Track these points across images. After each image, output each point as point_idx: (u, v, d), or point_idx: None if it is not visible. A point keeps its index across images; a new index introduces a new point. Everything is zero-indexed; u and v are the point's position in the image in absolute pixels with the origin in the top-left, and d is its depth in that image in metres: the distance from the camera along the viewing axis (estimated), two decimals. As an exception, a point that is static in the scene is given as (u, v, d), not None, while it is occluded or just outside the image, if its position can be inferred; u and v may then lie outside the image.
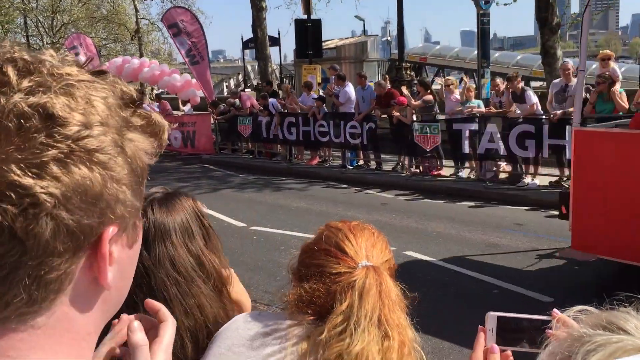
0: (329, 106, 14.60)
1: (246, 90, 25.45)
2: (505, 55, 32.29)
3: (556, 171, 10.81)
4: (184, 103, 20.00)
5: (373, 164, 13.94)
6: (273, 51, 25.19)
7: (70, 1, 38.15)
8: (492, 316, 1.23)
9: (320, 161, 14.98)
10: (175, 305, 1.39)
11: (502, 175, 11.61)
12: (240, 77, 37.33)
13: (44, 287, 0.60)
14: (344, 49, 27.02)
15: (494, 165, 11.60)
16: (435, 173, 12.43)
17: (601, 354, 0.69)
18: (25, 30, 37.85)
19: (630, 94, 10.02)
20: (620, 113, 9.64)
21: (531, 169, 11.10)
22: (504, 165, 11.63)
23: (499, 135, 11.01)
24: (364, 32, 39.08)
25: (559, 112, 10.27)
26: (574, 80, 10.53)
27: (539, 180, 10.97)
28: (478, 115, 11.60)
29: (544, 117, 10.73)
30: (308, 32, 18.22)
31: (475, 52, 17.46)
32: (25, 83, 0.58)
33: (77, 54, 22.62)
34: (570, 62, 11.28)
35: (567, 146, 10.20)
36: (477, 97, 12.70)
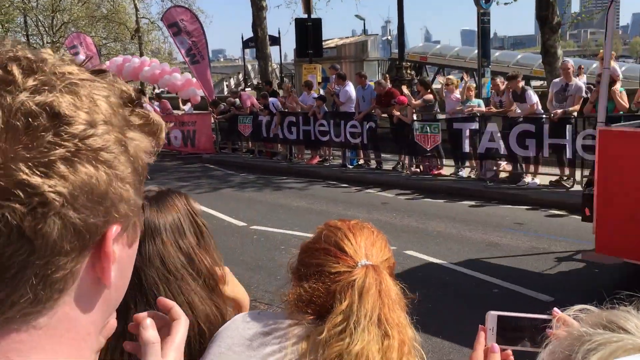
0: (330, 105, 14.60)
1: (246, 89, 25.46)
2: (506, 54, 32.30)
3: (556, 170, 10.81)
4: (184, 102, 20.00)
5: (373, 164, 13.94)
6: (273, 50, 25.22)
7: (70, 0, 38.15)
8: (492, 315, 1.23)
9: (321, 160, 14.98)
10: None
11: (503, 175, 11.61)
12: (241, 76, 37.35)
13: (49, 287, 0.61)
14: (344, 48, 27.04)
15: (494, 165, 11.60)
16: (436, 172, 12.43)
17: (601, 353, 0.69)
18: (25, 29, 37.89)
19: (630, 93, 10.03)
20: (621, 112, 9.64)
21: (531, 168, 11.10)
22: (504, 165, 11.63)
23: (499, 134, 11.01)
24: (364, 31, 39.04)
25: (559, 111, 10.27)
26: (574, 80, 10.54)
27: (540, 180, 10.97)
28: (478, 114, 11.60)
29: (544, 116, 10.73)
30: (308, 31, 18.23)
31: (476, 51, 17.46)
32: (31, 82, 0.58)
33: (77, 53, 22.66)
34: (571, 61, 11.27)
35: (567, 145, 10.21)
36: (478, 96, 12.70)
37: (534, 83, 24.02)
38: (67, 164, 0.57)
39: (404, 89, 13.53)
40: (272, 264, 7.01)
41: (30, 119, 0.56)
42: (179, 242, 1.49)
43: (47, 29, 39.08)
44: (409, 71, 19.88)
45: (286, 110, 15.31)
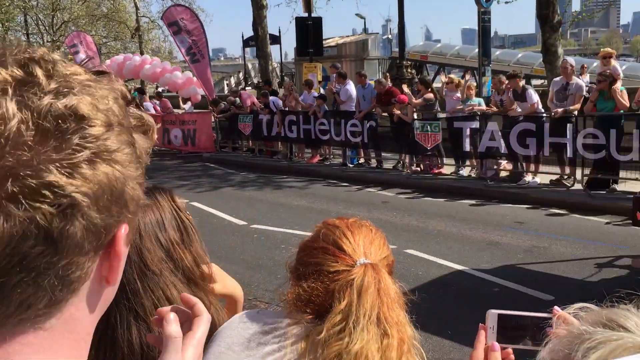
0: (330, 104, 14.60)
1: (247, 88, 25.45)
2: (506, 53, 32.26)
3: (557, 169, 10.81)
4: (185, 101, 20.01)
5: (374, 162, 13.94)
6: (274, 49, 25.20)
7: (71, -1, 38.17)
8: (492, 314, 1.23)
9: (321, 159, 14.98)
10: (144, 299, 1.38)
11: (503, 174, 11.61)
12: (241, 75, 37.33)
13: (66, 288, 0.61)
14: (344, 47, 27.01)
15: (494, 164, 11.59)
16: (436, 171, 12.43)
17: (601, 352, 0.69)
18: (25, 28, 37.88)
19: (631, 92, 10.01)
20: (622, 111, 9.64)
21: (532, 167, 11.10)
22: (504, 164, 11.62)
23: (499, 133, 11.01)
24: (365, 30, 39.03)
25: (560, 110, 10.26)
26: (574, 79, 10.53)
27: (540, 179, 10.97)
28: (479, 113, 11.59)
29: (544, 115, 10.73)
30: (309, 30, 18.23)
31: (476, 50, 17.45)
32: (53, 85, 0.59)
33: (77, 52, 22.68)
34: (570, 60, 11.26)
35: (567, 144, 10.20)
36: (478, 95, 12.69)
37: (534, 82, 23.97)
38: (90, 166, 0.58)
39: (405, 87, 13.51)
40: (273, 263, 7.01)
41: (59, 122, 0.57)
42: (158, 236, 1.48)
43: (47, 27, 39.09)
44: (409, 70, 19.88)
45: (287, 109, 15.31)
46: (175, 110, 19.49)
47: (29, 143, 0.55)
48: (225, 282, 1.72)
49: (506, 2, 19.74)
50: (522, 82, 11.22)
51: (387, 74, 18.55)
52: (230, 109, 17.12)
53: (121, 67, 20.50)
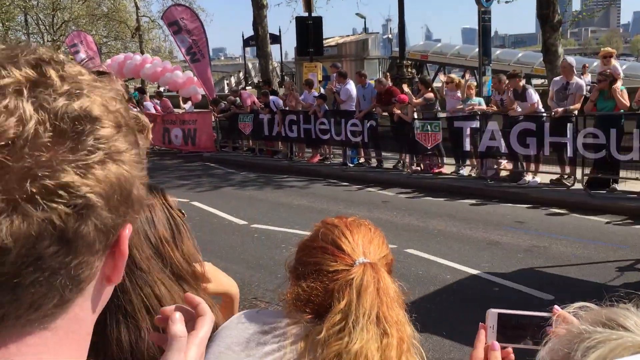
0: (330, 104, 14.61)
1: (247, 88, 25.45)
2: (507, 52, 32.26)
3: (557, 169, 10.81)
4: (185, 101, 20.01)
5: (374, 162, 13.94)
6: (274, 49, 25.19)
7: (71, -1, 38.18)
8: (492, 313, 1.23)
9: (321, 159, 14.98)
10: (133, 296, 1.37)
11: (503, 173, 11.61)
12: (241, 74, 37.33)
13: (75, 288, 0.62)
14: (345, 47, 27.01)
15: (495, 163, 11.59)
16: (436, 171, 12.43)
17: (601, 351, 0.69)
18: (25, 27, 37.90)
19: (631, 92, 10.01)
20: (622, 111, 9.64)
21: (532, 166, 11.09)
22: (505, 163, 11.62)
23: (500, 133, 11.01)
24: (365, 29, 39.00)
25: (560, 109, 10.26)
26: (575, 79, 10.53)
27: (540, 178, 10.97)
28: (479, 113, 11.59)
29: (545, 114, 10.73)
30: (309, 29, 18.22)
31: (477, 49, 17.44)
32: (66, 86, 0.59)
33: (77, 52, 22.66)
34: (571, 60, 11.25)
35: (568, 144, 10.20)
36: (478, 94, 12.69)
37: (534, 81, 23.99)
38: (101, 167, 0.59)
39: (405, 87, 13.50)
40: (273, 263, 7.01)
41: (75, 123, 0.58)
42: (148, 234, 1.47)
43: (47, 27, 39.09)
44: (409, 69, 19.87)
45: (287, 108, 15.32)
46: (176, 110, 19.49)
47: (47, 144, 0.56)
48: (220, 281, 1.72)
49: (506, 2, 19.75)
50: (523, 82, 11.21)
51: (388, 74, 18.57)
52: (231, 108, 17.12)
53: (122, 66, 20.49)
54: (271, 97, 15.98)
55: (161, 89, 22.89)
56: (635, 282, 6.07)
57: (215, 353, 1.33)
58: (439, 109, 13.05)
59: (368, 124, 13.17)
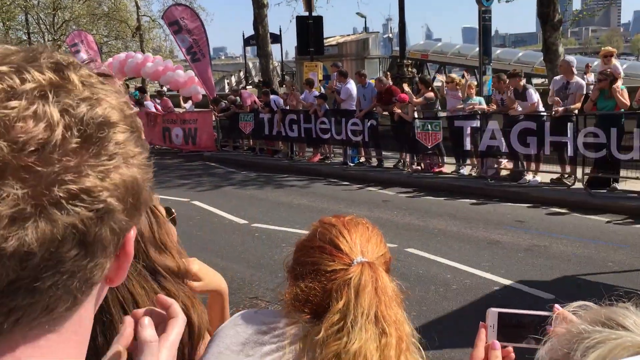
0: (331, 103, 14.61)
1: (247, 87, 25.43)
2: (507, 52, 32.22)
3: (558, 168, 10.81)
4: (185, 100, 20.00)
5: (374, 161, 13.94)
6: (274, 48, 25.15)
7: (72, -2, 38.17)
8: (493, 312, 1.23)
9: (322, 158, 14.98)
10: (110, 298, 1.36)
11: (504, 173, 11.61)
12: (242, 74, 37.31)
13: (87, 290, 0.62)
14: (345, 46, 27.01)
15: (495, 163, 11.59)
16: (437, 170, 12.43)
17: (600, 351, 0.69)
18: (26, 27, 37.89)
19: (631, 91, 10.00)
20: (622, 110, 9.64)
21: (532, 166, 11.09)
22: (505, 163, 11.62)
23: (500, 132, 11.00)
24: (366, 29, 38.98)
25: (560, 108, 10.26)
26: (575, 78, 10.52)
27: (541, 178, 10.97)
28: (479, 112, 11.59)
29: (545, 114, 10.72)
30: (309, 29, 18.20)
31: (477, 49, 17.42)
32: (87, 92, 0.60)
33: (78, 51, 22.65)
34: (571, 59, 11.24)
35: (568, 143, 10.20)
36: (479, 94, 12.68)
37: (535, 81, 23.98)
38: (118, 171, 0.60)
39: (405, 86, 13.49)
40: (273, 262, 7.01)
41: (99, 129, 0.59)
42: None
43: (48, 26, 39.09)
44: (410, 69, 19.86)
45: (287, 107, 15.32)
46: (176, 109, 19.49)
47: (76, 149, 0.56)
48: (209, 278, 1.71)
49: (507, 1, 19.76)
50: (523, 81, 11.21)
51: (388, 73, 18.55)
52: (230, 107, 17.12)
53: (123, 65, 20.48)
54: (272, 97, 15.98)
55: (164, 88, 22.87)
56: (635, 282, 6.07)
57: (215, 353, 1.33)
58: (439, 108, 13.05)
59: (368, 123, 13.18)
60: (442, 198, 10.63)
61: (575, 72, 10.77)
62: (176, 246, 1.55)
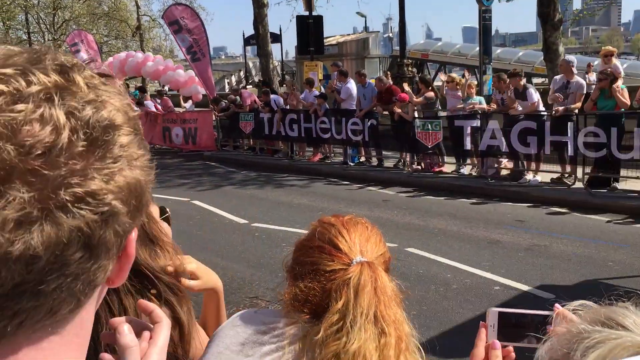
0: (331, 103, 14.61)
1: (247, 87, 25.44)
2: (507, 51, 32.20)
3: (558, 168, 10.81)
4: (186, 100, 20.00)
5: (375, 161, 13.94)
6: (274, 48, 25.16)
7: (72, -2, 38.18)
8: (493, 312, 1.23)
9: (322, 158, 14.98)
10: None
11: (504, 172, 11.61)
12: (242, 73, 37.29)
13: (90, 292, 0.62)
14: (345, 46, 27.02)
15: (495, 162, 11.59)
16: (437, 170, 12.43)
17: (600, 351, 0.69)
18: (26, 26, 37.89)
19: (632, 91, 10.00)
20: (622, 110, 9.63)
21: (533, 165, 11.09)
22: (505, 162, 11.62)
23: (500, 131, 11.00)
24: (366, 28, 39.00)
25: (560, 108, 10.26)
26: (575, 77, 10.52)
27: (541, 177, 10.97)
28: (480, 112, 11.59)
29: (545, 113, 10.72)
30: (309, 28, 18.20)
31: (477, 48, 17.42)
32: (92, 94, 0.60)
33: (78, 51, 22.65)
34: (569, 58, 11.22)
35: (568, 143, 10.19)
36: (479, 93, 12.68)
37: (535, 80, 23.97)
38: (122, 173, 0.60)
39: (405, 86, 13.48)
40: (274, 262, 7.01)
41: (104, 132, 0.59)
42: None
43: (48, 26, 39.09)
44: (410, 68, 19.85)
45: (288, 107, 15.32)
46: (177, 109, 19.49)
47: (82, 153, 0.56)
48: (207, 277, 1.71)
49: (507, 1, 19.72)
50: (523, 81, 11.21)
51: (388, 73, 18.55)
52: (230, 107, 17.12)
53: (123, 64, 20.49)
54: (272, 96, 15.98)
55: (165, 88, 22.89)
56: (635, 281, 6.07)
57: (214, 353, 1.33)
58: (440, 107, 13.04)
59: (369, 123, 13.17)
60: (443, 198, 10.63)
61: (576, 71, 10.76)
62: (171, 244, 1.54)
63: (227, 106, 17.35)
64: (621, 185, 9.89)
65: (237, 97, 17.36)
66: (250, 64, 38.62)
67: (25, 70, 0.57)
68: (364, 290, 1.24)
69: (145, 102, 19.12)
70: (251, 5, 21.70)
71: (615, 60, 12.02)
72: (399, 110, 12.55)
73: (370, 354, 1.20)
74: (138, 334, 0.85)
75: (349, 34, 31.37)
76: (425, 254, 7.29)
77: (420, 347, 1.31)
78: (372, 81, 14.08)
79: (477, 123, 11.52)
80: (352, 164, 13.97)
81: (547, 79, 16.27)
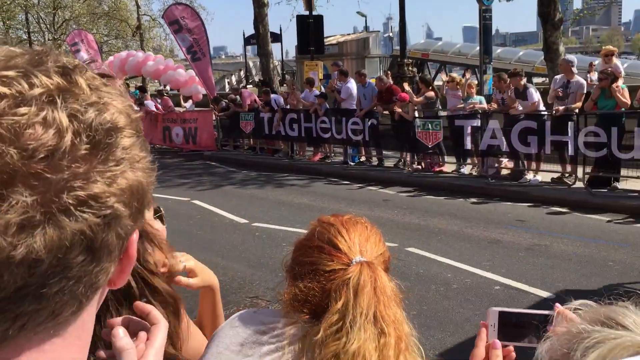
0: (331, 102, 14.61)
1: (248, 86, 25.44)
2: (508, 51, 32.18)
3: (558, 167, 10.81)
4: (186, 99, 19.99)
5: (375, 161, 13.94)
6: (275, 47, 25.15)
7: (72, -3, 38.18)
8: (493, 311, 1.23)
9: (322, 157, 14.98)
10: None
11: (504, 172, 11.61)
12: (242, 73, 37.30)
13: (92, 294, 0.62)
14: (345, 45, 27.00)
15: (495, 162, 11.59)
16: (437, 169, 12.43)
17: (599, 351, 0.69)
18: (26, 26, 37.88)
19: (632, 90, 10.00)
20: (623, 109, 9.63)
21: (533, 165, 11.09)
22: (505, 162, 11.62)
23: (501, 131, 11.00)
24: (366, 28, 39.01)
25: (561, 108, 10.26)
26: (575, 77, 10.51)
27: (541, 177, 10.96)
28: (480, 111, 11.59)
29: (546, 113, 10.72)
30: (310, 28, 18.19)
31: (477, 48, 17.41)
32: (94, 96, 0.60)
33: (78, 51, 22.64)
34: (569, 57, 11.21)
35: (569, 142, 10.19)
36: (479, 93, 12.68)
37: (536, 80, 23.95)
38: (124, 176, 0.60)
39: (406, 86, 13.48)
40: (274, 261, 7.01)
41: (107, 135, 0.58)
42: None
43: (48, 26, 39.09)
44: (410, 68, 19.85)
45: (288, 107, 15.31)
46: (177, 109, 19.49)
47: (85, 156, 0.56)
48: (205, 274, 1.72)
49: (507, 0, 19.72)
50: (524, 81, 11.20)
51: (388, 72, 18.54)
52: (230, 107, 17.11)
53: (124, 64, 20.47)
54: (272, 96, 15.98)
55: (167, 88, 22.90)
56: (636, 281, 6.07)
57: (214, 353, 1.33)
58: (440, 107, 13.04)
59: (369, 123, 13.17)
60: (443, 197, 10.63)
61: (576, 71, 10.75)
62: (165, 242, 1.54)
63: (227, 106, 17.35)
64: (622, 185, 9.89)
65: (238, 97, 17.36)
66: (251, 64, 38.62)
67: (27, 72, 0.57)
68: (363, 290, 1.24)
69: (145, 101, 19.12)
70: (251, 5, 21.69)
71: (616, 60, 12.01)
72: (400, 110, 12.55)
73: (369, 354, 1.20)
74: (136, 334, 0.85)
75: (349, 34, 31.35)
76: (426, 253, 7.29)
77: (420, 346, 1.31)
78: (373, 81, 14.08)
79: (477, 123, 11.52)
80: (352, 163, 13.97)
81: (547, 79, 16.26)
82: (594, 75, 13.29)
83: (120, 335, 0.81)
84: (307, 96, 15.07)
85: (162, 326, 0.88)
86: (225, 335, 1.34)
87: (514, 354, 1.24)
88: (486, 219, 8.97)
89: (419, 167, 12.79)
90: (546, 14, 14.56)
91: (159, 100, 19.48)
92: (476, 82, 13.68)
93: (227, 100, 17.69)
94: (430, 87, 12.83)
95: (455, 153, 12.36)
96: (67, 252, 0.56)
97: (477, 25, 15.30)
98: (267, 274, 6.65)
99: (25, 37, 36.52)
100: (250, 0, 21.70)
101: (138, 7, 37.45)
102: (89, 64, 0.67)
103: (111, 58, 23.28)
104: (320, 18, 18.83)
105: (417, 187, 11.46)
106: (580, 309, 0.82)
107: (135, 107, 0.68)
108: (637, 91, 9.49)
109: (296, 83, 18.55)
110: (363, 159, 14.22)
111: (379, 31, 39.02)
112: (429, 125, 12.07)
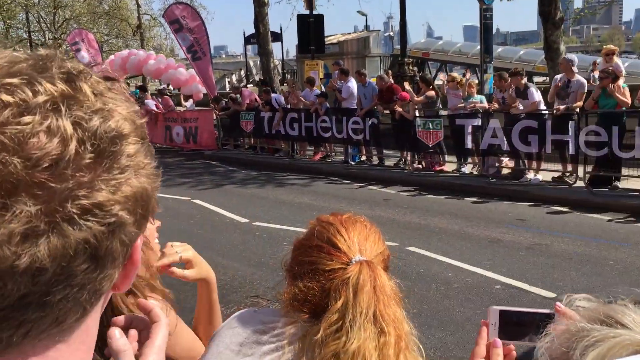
0: (331, 101, 14.61)
1: (248, 85, 25.43)
2: (508, 50, 32.18)
3: (559, 167, 10.80)
4: (186, 99, 19.99)
5: (375, 160, 13.94)
6: (275, 47, 25.13)
7: (72, -3, 38.18)
8: (494, 310, 1.23)
9: (323, 157, 14.98)
10: None
11: (505, 171, 11.60)
12: (243, 72, 37.28)
13: (96, 301, 0.62)
14: (346, 45, 27.01)
15: (496, 161, 11.59)
16: (438, 169, 12.43)
17: (599, 350, 0.69)
18: (27, 25, 37.90)
19: (633, 89, 9.99)
20: (624, 108, 9.63)
21: (534, 164, 11.08)
22: (506, 161, 11.61)
23: (501, 130, 11.00)
24: (367, 27, 38.95)
25: (562, 107, 10.25)
26: (576, 76, 10.51)
27: (542, 176, 10.96)
28: (481, 110, 11.58)
29: (546, 112, 10.71)
30: (310, 27, 18.18)
31: (478, 47, 17.40)
32: (99, 103, 0.59)
33: (79, 50, 22.65)
34: (570, 56, 11.21)
35: (570, 141, 10.19)
36: (480, 92, 12.68)
37: (536, 79, 23.94)
38: (129, 183, 0.59)
39: (406, 85, 13.47)
40: (275, 261, 7.01)
41: (112, 143, 0.58)
42: None
43: (48, 25, 39.10)
44: (411, 67, 19.84)
45: (289, 106, 15.31)
46: (177, 108, 19.50)
47: (90, 165, 0.56)
48: (203, 266, 1.72)
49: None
50: (524, 80, 11.19)
51: (389, 71, 18.53)
52: (229, 106, 17.12)
53: (125, 62, 20.48)
54: (273, 95, 15.98)
55: (169, 87, 22.90)
56: (636, 280, 6.07)
57: (215, 353, 1.33)
58: (441, 106, 13.04)
59: (369, 122, 13.17)
60: (443, 196, 10.63)
61: (576, 70, 10.74)
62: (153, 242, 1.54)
63: (227, 105, 17.35)
64: (622, 184, 9.89)
65: (238, 96, 17.36)
66: (251, 63, 38.58)
67: (31, 79, 0.56)
68: (363, 290, 1.24)
69: (146, 101, 19.12)
70: (252, 4, 21.67)
71: (617, 59, 12.00)
72: (400, 109, 12.55)
73: (369, 353, 1.20)
74: (140, 332, 0.85)
75: (349, 33, 31.33)
76: (426, 252, 7.29)
77: (421, 345, 1.31)
78: (373, 80, 14.07)
79: (478, 122, 11.52)
80: (353, 162, 13.97)
81: (548, 78, 16.25)
82: (598, 74, 13.28)
83: (117, 336, 0.81)
84: (308, 95, 15.06)
85: (163, 324, 0.88)
86: (225, 335, 1.34)
87: (514, 353, 1.24)
88: (487, 218, 8.97)
89: (420, 166, 12.79)
90: (547, 13, 14.55)
91: (159, 100, 19.49)
92: (477, 81, 13.69)
93: (227, 100, 17.70)
94: (431, 87, 12.83)
95: (455, 152, 12.36)
96: (71, 261, 0.56)
97: (478, 25, 15.29)
98: (268, 273, 6.66)
99: (26, 37, 36.57)
100: (251, -1, 21.69)
101: (138, 6, 37.44)
102: (92, 67, 0.66)
103: (112, 57, 23.29)
104: (320, 17, 18.82)
105: (417, 187, 11.46)
106: (583, 304, 0.82)
107: (140, 110, 0.67)
108: (638, 90, 9.49)
109: (297, 82, 18.54)
110: (364, 158, 14.22)
111: (379, 30, 39.04)
112: (430, 124, 12.07)
